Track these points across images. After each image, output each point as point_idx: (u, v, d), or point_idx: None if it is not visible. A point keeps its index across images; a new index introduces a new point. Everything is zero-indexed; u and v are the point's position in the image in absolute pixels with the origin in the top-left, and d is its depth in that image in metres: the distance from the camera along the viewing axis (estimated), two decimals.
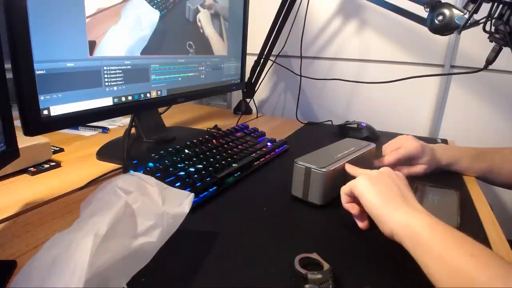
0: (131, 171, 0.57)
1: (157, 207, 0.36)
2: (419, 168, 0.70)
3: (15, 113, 0.47)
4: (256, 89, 1.32)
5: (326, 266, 0.40)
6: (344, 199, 0.52)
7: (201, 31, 0.91)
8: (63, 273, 0.26)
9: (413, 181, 0.66)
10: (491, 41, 0.72)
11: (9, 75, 0.45)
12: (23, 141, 0.61)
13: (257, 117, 1.29)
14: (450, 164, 0.73)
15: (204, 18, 0.91)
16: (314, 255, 0.42)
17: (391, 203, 0.44)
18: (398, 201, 0.45)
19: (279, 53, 1.29)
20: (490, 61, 0.74)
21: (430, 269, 0.37)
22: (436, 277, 0.36)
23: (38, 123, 0.56)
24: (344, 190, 0.51)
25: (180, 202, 0.40)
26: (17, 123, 0.47)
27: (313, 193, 0.56)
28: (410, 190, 0.48)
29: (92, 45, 0.62)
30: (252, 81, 1.29)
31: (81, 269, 0.26)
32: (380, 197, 0.45)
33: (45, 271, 0.27)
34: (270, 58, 1.26)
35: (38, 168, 0.67)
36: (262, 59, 1.25)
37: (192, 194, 0.42)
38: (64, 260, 0.27)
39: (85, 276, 0.26)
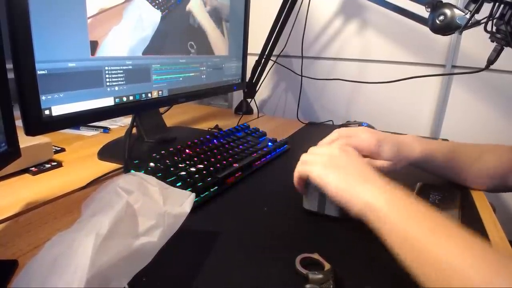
0: (132, 171, 0.58)
1: (158, 207, 0.36)
2: (381, 164, 0.57)
3: (17, 113, 0.47)
4: (257, 89, 1.32)
5: (327, 266, 0.40)
6: (297, 182, 0.53)
7: (202, 31, 0.91)
8: (65, 273, 0.26)
9: (415, 181, 0.66)
10: (492, 41, 0.72)
11: (10, 75, 0.45)
12: (25, 141, 0.61)
13: (258, 117, 1.29)
14: (425, 161, 0.61)
15: (204, 18, 0.91)
16: (315, 255, 0.42)
17: (352, 188, 0.44)
18: (359, 183, 0.44)
19: (280, 53, 1.29)
20: (491, 61, 0.74)
21: (398, 250, 0.38)
22: (404, 259, 0.37)
23: (40, 123, 0.56)
24: (300, 174, 0.52)
25: (181, 202, 0.40)
26: (19, 123, 0.47)
27: (331, 206, 0.53)
28: (363, 163, 0.49)
29: (94, 45, 0.62)
30: (253, 81, 1.29)
31: (83, 268, 0.26)
32: (341, 183, 0.45)
33: (46, 270, 0.27)
34: (271, 58, 1.26)
35: (40, 168, 0.67)
36: (263, 59, 1.25)
37: (193, 194, 0.42)
38: (66, 259, 0.27)
39: (87, 276, 0.26)
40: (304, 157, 0.53)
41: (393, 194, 0.42)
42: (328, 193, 0.46)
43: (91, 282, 0.27)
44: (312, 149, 0.54)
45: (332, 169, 0.47)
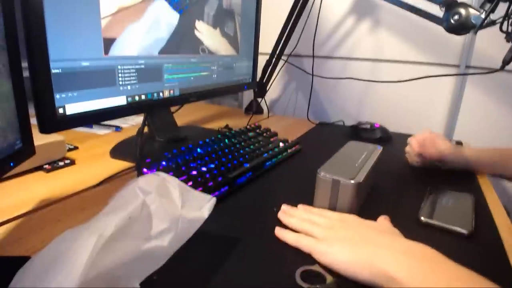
0: (155, 171, 0.58)
1: (174, 210, 0.36)
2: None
3: (31, 111, 0.48)
4: (267, 88, 1.32)
5: (329, 279, 0.38)
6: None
7: (215, 30, 0.91)
8: (59, 273, 0.26)
9: (427, 183, 0.65)
10: (507, 41, 0.71)
11: (25, 74, 0.46)
12: (39, 139, 0.61)
13: (268, 117, 1.28)
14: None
15: (217, 18, 0.91)
16: (316, 267, 0.40)
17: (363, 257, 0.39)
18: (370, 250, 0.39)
19: (291, 52, 1.28)
20: (506, 61, 0.72)
21: None
22: None
23: (54, 121, 0.57)
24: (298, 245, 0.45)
25: (200, 206, 0.39)
26: (33, 121, 0.48)
27: (342, 206, 0.52)
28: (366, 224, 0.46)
29: (107, 44, 0.63)
30: (264, 80, 1.29)
31: (77, 270, 0.26)
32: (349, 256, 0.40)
33: (48, 266, 0.27)
34: (282, 57, 1.26)
35: (53, 165, 0.68)
36: (274, 59, 1.25)
37: (214, 199, 0.40)
38: (64, 259, 0.27)
39: (80, 278, 0.26)
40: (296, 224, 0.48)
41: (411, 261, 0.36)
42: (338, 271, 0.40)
43: (93, 282, 0.27)
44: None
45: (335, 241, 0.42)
